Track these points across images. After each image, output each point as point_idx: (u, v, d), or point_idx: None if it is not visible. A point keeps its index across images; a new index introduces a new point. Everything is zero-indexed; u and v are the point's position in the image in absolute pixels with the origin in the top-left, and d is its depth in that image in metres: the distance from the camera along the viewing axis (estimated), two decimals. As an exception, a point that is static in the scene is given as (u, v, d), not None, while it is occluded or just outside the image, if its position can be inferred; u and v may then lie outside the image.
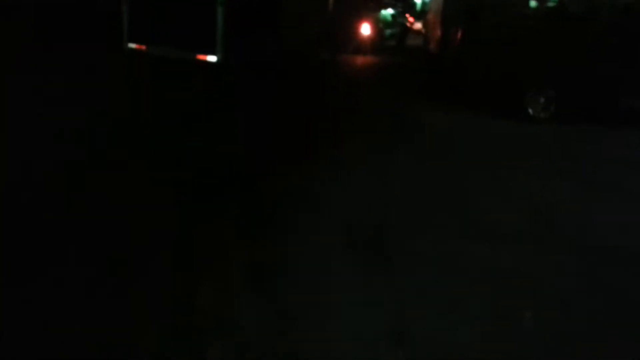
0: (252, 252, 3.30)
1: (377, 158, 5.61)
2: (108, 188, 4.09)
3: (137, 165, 4.76)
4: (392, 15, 17.60)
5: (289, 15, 10.44)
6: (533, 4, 9.58)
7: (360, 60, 14.55)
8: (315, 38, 12.03)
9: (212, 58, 8.64)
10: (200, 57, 8.72)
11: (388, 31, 16.92)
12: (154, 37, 9.06)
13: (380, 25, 16.31)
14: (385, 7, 17.51)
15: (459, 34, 8.52)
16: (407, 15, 17.96)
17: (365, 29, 15.44)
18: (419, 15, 34.82)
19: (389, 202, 4.36)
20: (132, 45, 9.25)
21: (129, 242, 3.28)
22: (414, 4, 39.52)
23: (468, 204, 4.42)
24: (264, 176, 4.78)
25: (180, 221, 3.65)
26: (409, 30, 19.26)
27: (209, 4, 8.41)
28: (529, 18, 8.52)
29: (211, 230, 3.57)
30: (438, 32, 10.96)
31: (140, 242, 3.29)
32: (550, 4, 8.79)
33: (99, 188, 4.07)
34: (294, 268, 3.14)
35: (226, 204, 4.08)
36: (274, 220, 3.84)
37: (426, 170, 5.29)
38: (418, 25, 32.68)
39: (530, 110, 7.66)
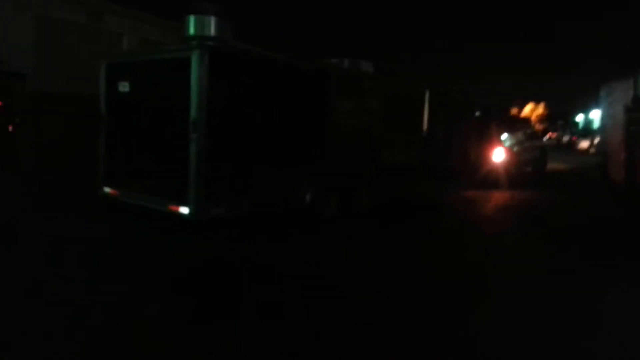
0: None
1: None
2: None
3: None
4: (527, 135, 13.05)
5: (344, 136, 6.57)
6: None
7: (496, 197, 9.80)
8: (412, 169, 7.88)
9: (183, 210, 5.01)
10: (172, 208, 5.16)
11: (522, 156, 12.32)
12: (129, 179, 5.94)
13: (515, 150, 11.69)
14: (517, 127, 13.05)
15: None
16: (551, 134, 13.78)
17: (498, 155, 10.93)
18: (583, 133, 29.08)
19: None
20: (107, 190, 6.20)
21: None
22: (575, 122, 33.85)
23: None
24: None
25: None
26: (547, 153, 15.10)
27: (182, 132, 5.00)
28: None
29: None
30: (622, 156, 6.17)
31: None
32: None
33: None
34: None
35: None
36: None
37: None
38: (584, 145, 26.73)
39: None
